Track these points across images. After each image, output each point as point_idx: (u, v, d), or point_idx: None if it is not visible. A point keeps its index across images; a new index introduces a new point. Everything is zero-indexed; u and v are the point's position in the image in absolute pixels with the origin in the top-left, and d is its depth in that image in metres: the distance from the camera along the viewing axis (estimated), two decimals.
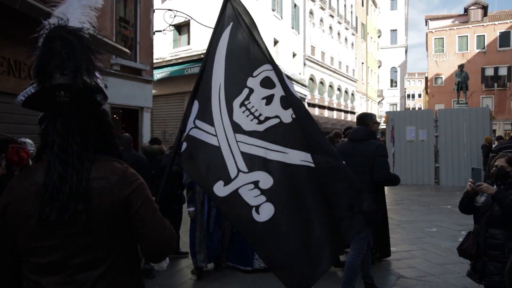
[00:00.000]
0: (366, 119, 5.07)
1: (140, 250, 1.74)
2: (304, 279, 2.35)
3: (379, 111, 53.22)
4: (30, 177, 1.60)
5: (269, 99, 2.55)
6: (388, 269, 6.00)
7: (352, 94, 40.68)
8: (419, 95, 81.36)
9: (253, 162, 2.46)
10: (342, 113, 37.31)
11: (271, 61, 2.61)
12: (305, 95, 28.04)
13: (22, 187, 1.59)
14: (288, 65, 25.54)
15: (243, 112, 2.54)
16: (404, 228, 8.55)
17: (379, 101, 55.45)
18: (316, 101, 31.19)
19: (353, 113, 40.27)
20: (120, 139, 7.93)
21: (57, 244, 1.53)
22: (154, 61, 16.32)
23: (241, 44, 2.64)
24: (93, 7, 1.72)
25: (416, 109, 61.54)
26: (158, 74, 19.01)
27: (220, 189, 2.45)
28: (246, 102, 2.56)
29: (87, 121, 1.66)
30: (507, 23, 41.22)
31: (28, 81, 6.24)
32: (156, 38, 15.69)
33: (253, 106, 2.55)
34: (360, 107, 43.74)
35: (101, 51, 1.64)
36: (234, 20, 2.64)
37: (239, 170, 2.46)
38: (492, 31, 41.61)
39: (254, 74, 2.59)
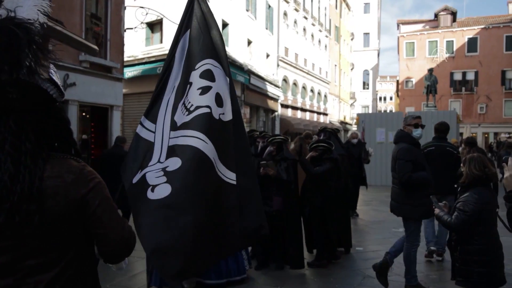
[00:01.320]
0: (403, 121, 5.46)
1: (97, 251, 1.69)
2: (181, 267, 2.32)
3: (351, 113, 53.96)
4: None
5: (204, 90, 2.57)
6: (354, 269, 6.08)
7: (325, 96, 41.10)
8: (391, 98, 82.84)
9: (171, 151, 2.48)
10: (315, 114, 37.66)
11: (219, 59, 2.65)
12: (278, 96, 28.17)
13: None
14: (261, 66, 25.60)
15: (181, 110, 2.57)
16: (372, 229, 8.68)
17: (352, 103, 56.21)
18: (289, 102, 31.39)
19: (326, 114, 40.70)
20: (119, 139, 7.89)
21: (6, 245, 1.46)
22: (126, 59, 16.10)
23: (196, 40, 2.66)
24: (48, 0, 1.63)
25: (388, 111, 62.60)
26: (129, 72, 18.73)
27: (136, 178, 2.49)
28: (185, 100, 2.59)
29: (42, 118, 1.59)
30: (474, 29, 42.53)
31: None
32: (128, 36, 15.47)
33: (189, 101, 2.57)
34: (333, 109, 44.24)
35: (49, 44, 1.58)
36: (198, 20, 2.64)
37: (158, 161, 2.49)
38: (460, 37, 42.82)
39: (196, 67, 2.61)
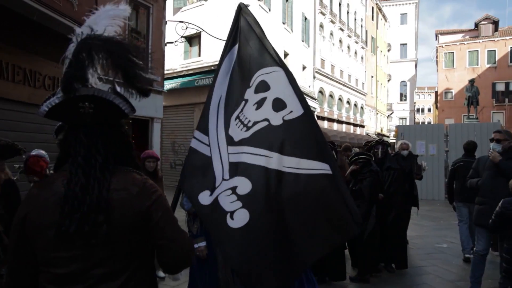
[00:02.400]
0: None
1: (158, 261, 1.73)
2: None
3: (388, 125, 53.06)
4: (49, 187, 1.59)
5: (260, 103, 2.52)
6: (398, 284, 5.94)
7: (361, 108, 40.62)
8: (429, 109, 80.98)
9: (235, 169, 2.43)
10: (351, 126, 37.22)
11: (274, 62, 2.58)
12: (315, 108, 28.05)
13: (41, 197, 1.57)
14: (298, 78, 25.53)
15: (236, 124, 2.53)
16: (414, 244, 8.46)
17: (389, 115, 55.29)
18: (326, 114, 31.17)
19: (362, 126, 40.15)
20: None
21: (77, 255, 1.52)
22: (165, 72, 16.45)
23: (247, 57, 2.63)
24: (120, 18, 1.71)
25: (426, 123, 61.24)
26: (168, 85, 19.13)
27: (205, 198, 2.44)
28: (240, 115, 2.55)
29: (110, 132, 1.66)
30: None
31: (42, 91, 6.35)
32: (167, 49, 15.83)
33: (245, 117, 2.53)
34: (369, 121, 43.62)
35: (140, 57, 1.64)
36: (245, 33, 2.65)
37: (223, 179, 2.45)
38: (503, 46, 41.47)
39: (251, 83, 2.58)
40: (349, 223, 2.32)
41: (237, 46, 2.66)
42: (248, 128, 2.48)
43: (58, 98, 1.56)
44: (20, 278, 1.64)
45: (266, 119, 2.47)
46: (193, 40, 20.49)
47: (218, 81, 2.68)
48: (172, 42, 15.34)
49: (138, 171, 1.74)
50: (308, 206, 2.31)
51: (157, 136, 14.28)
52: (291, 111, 2.46)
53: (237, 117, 2.54)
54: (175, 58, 20.03)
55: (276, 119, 2.45)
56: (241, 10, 2.67)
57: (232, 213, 2.35)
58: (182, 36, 15.62)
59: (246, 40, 2.64)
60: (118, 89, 1.67)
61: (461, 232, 7.49)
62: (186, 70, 19.92)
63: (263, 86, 2.53)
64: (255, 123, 2.48)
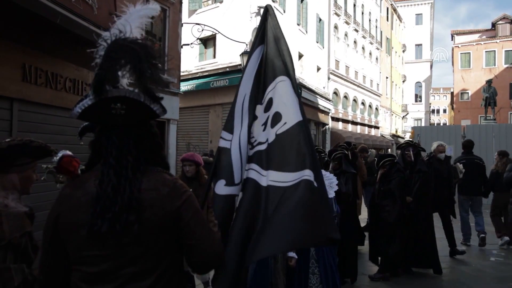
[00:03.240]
0: None
1: (187, 261, 1.74)
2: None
3: (404, 126, 52.61)
4: (81, 187, 1.61)
5: (266, 124, 2.50)
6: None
7: (376, 109, 40.36)
8: (444, 111, 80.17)
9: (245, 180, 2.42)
10: (366, 127, 37.00)
11: (287, 72, 2.54)
12: (329, 109, 27.96)
13: (74, 197, 1.60)
14: (312, 79, 25.57)
15: (263, 129, 2.50)
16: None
17: (404, 116, 54.81)
18: (340, 115, 31.05)
19: (377, 127, 39.90)
20: None
21: (108, 254, 1.55)
22: (180, 74, 16.55)
23: (270, 60, 2.58)
24: (148, 17, 1.73)
25: (441, 124, 60.58)
26: (183, 87, 19.26)
27: (220, 187, 2.43)
28: (249, 133, 2.53)
29: (141, 132, 1.68)
30: None
31: (63, 93, 6.45)
32: (182, 51, 15.93)
33: (253, 136, 2.51)
34: (384, 122, 43.32)
35: (159, 59, 1.64)
36: (270, 35, 2.65)
37: (241, 180, 2.44)
38: None
39: (263, 100, 2.55)
40: (321, 231, 2.23)
41: (263, 46, 2.67)
42: (253, 147, 2.48)
43: (91, 100, 1.57)
44: (53, 276, 1.68)
45: (267, 140, 2.45)
46: (208, 42, 20.58)
47: (244, 79, 2.67)
48: (188, 44, 15.43)
49: (169, 172, 1.76)
50: (285, 210, 2.21)
51: (173, 138, 14.36)
52: (285, 123, 2.42)
53: (251, 124, 2.53)
54: (190, 60, 20.14)
55: (272, 135, 2.43)
56: (268, 12, 2.68)
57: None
58: (198, 38, 15.69)
59: (270, 42, 2.65)
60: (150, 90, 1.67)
61: (463, 223, 8.59)
62: (201, 72, 20.03)
63: (270, 104, 2.51)
64: (259, 143, 2.46)
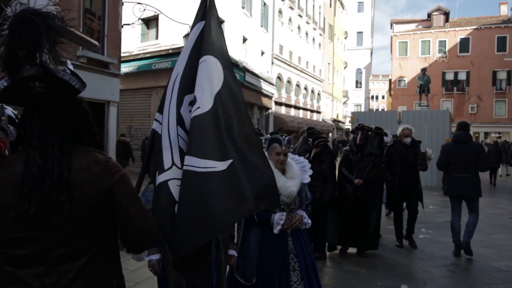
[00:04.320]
0: (467, 126, 6.76)
1: (121, 240, 1.73)
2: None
3: (344, 111, 54.16)
4: (8, 167, 1.55)
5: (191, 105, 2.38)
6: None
7: (318, 94, 41.23)
8: (383, 97, 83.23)
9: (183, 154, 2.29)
10: (308, 112, 37.78)
11: (212, 53, 2.39)
12: (272, 94, 28.24)
13: (0, 178, 1.53)
14: (256, 63, 25.65)
15: (189, 111, 2.37)
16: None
17: (344, 102, 56.40)
18: (283, 100, 31.46)
19: (319, 112, 40.82)
20: None
21: (37, 235, 1.50)
22: (121, 55, 16.08)
23: (206, 39, 2.43)
24: None
25: (380, 110, 62.93)
26: (125, 68, 18.68)
27: (157, 179, 2.28)
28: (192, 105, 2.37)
29: (65, 110, 1.62)
30: (467, 29, 42.85)
31: None
32: (124, 31, 15.45)
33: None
34: (326, 107, 44.39)
35: (65, 33, 1.57)
36: (210, 16, 2.55)
37: (173, 163, 2.29)
38: (453, 37, 43.13)
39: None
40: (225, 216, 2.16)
41: (203, 23, 2.55)
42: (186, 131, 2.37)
43: (6, 81, 1.50)
44: None
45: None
46: (150, 22, 20.06)
47: (180, 57, 2.55)
48: (129, 24, 14.97)
49: (101, 151, 1.73)
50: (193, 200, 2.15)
51: (114, 120, 13.98)
52: (198, 107, 2.30)
53: (191, 103, 2.38)
54: (132, 41, 19.55)
55: (188, 120, 2.34)
56: None
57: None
58: (139, 18, 15.26)
59: (207, 18, 2.53)
60: (70, 65, 1.63)
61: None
62: (143, 53, 19.52)
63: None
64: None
